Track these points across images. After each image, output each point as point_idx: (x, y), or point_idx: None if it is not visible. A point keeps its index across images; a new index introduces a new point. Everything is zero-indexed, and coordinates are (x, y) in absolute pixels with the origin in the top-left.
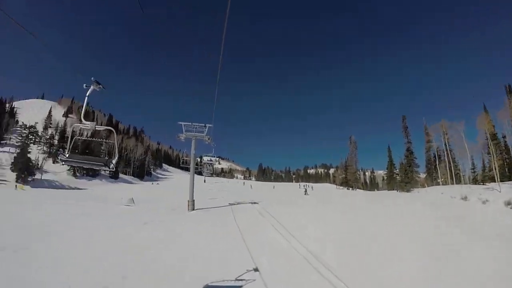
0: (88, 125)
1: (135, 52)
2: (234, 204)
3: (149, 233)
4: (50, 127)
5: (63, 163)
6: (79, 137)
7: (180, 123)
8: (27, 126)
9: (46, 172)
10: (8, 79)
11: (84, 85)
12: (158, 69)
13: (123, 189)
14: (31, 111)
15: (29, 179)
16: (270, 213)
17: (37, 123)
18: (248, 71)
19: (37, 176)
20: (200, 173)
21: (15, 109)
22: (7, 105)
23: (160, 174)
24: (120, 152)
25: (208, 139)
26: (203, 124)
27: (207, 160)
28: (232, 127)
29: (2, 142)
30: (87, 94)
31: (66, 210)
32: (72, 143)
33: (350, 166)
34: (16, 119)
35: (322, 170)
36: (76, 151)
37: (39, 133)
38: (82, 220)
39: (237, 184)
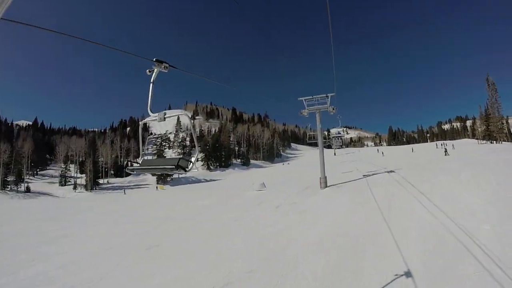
0: (155, 116)
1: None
2: (369, 176)
3: (280, 217)
4: (181, 131)
5: (133, 172)
6: (153, 137)
7: (301, 98)
8: (158, 135)
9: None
10: (135, 101)
11: (147, 70)
12: (274, 51)
13: (254, 174)
14: (163, 123)
15: (168, 179)
16: (411, 183)
17: (167, 131)
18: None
19: (175, 175)
20: (329, 147)
21: (148, 124)
22: (140, 122)
23: (290, 153)
24: (248, 140)
25: (333, 109)
26: (324, 95)
27: (335, 133)
28: (355, 93)
29: (142, 153)
30: (151, 81)
31: (193, 203)
32: (146, 144)
33: (491, 115)
34: (150, 132)
35: (458, 123)
36: (207, 147)
37: (171, 139)
38: (211, 211)
39: (368, 152)
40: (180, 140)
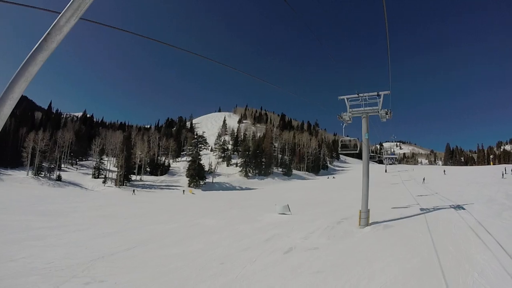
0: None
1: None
2: (430, 211)
3: (283, 277)
4: (225, 134)
5: None
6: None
7: (342, 97)
8: (195, 136)
9: (219, 175)
10: (188, 100)
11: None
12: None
13: (293, 186)
14: (209, 124)
15: (201, 183)
16: (497, 240)
17: (202, 133)
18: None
19: (209, 179)
20: (381, 162)
21: (194, 124)
22: (188, 122)
23: (337, 166)
24: (293, 149)
25: (386, 113)
26: (375, 93)
27: (388, 149)
28: (410, 106)
29: (182, 153)
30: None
31: (197, 221)
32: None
33: None
34: (195, 132)
35: None
36: (247, 153)
37: (214, 141)
38: (202, 240)
39: (424, 171)
40: (221, 143)
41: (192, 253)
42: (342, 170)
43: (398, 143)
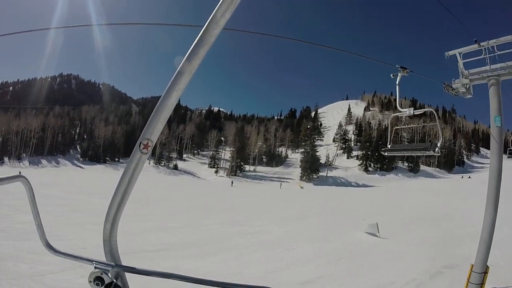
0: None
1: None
2: None
3: None
4: (350, 123)
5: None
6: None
7: (453, 52)
8: (308, 127)
9: (336, 168)
10: (315, 88)
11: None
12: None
13: (416, 187)
14: (336, 113)
15: (314, 176)
16: None
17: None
18: None
19: (324, 173)
20: None
21: (318, 114)
22: (312, 112)
23: (476, 162)
24: (422, 139)
25: None
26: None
27: None
28: None
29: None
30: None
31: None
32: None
33: None
34: (319, 122)
35: None
36: (367, 144)
37: (326, 131)
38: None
39: None
40: (342, 133)
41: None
42: (482, 167)
43: None
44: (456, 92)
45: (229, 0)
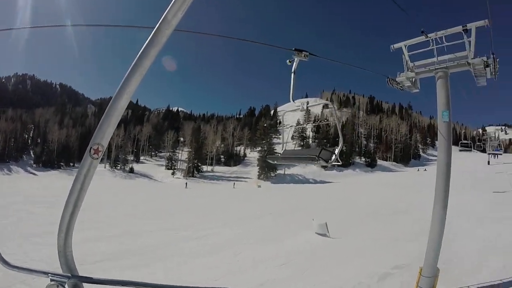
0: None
1: None
2: None
3: None
4: (309, 121)
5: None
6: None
7: (398, 44)
8: (265, 125)
9: (294, 165)
10: (273, 88)
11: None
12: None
13: (373, 181)
14: (294, 112)
15: (272, 175)
16: None
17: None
18: None
19: (281, 171)
20: (484, 151)
21: (278, 112)
22: (281, 111)
23: (432, 155)
24: (379, 135)
25: (486, 64)
26: (459, 28)
27: (491, 132)
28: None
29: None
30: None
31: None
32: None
33: None
34: (278, 120)
35: None
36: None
37: (284, 128)
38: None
39: None
40: (300, 131)
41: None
42: (436, 160)
43: (503, 127)
44: (401, 87)
45: (181, 0)
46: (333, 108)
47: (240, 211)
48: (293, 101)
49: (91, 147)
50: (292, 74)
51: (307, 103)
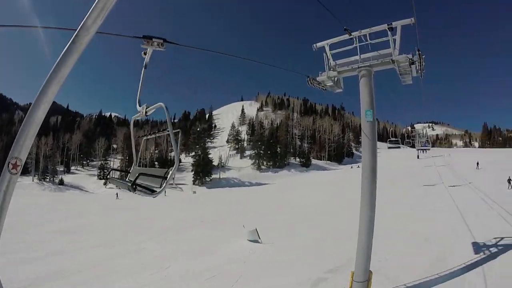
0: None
1: None
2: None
3: None
4: (244, 124)
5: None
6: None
7: (321, 43)
8: (198, 130)
9: (229, 169)
10: (208, 91)
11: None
12: None
13: (308, 181)
14: (230, 114)
15: (207, 179)
16: None
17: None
18: None
19: (216, 175)
20: (413, 146)
21: (213, 115)
22: (207, 114)
23: None
24: (313, 136)
25: (411, 62)
26: (384, 26)
27: (421, 130)
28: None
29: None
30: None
31: None
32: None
33: None
34: (213, 124)
35: None
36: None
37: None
38: None
39: (463, 160)
40: (235, 134)
41: None
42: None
43: (430, 124)
44: (323, 86)
45: (100, 7)
46: (166, 111)
47: (172, 221)
48: (140, 105)
49: (9, 162)
50: (143, 69)
51: (146, 106)
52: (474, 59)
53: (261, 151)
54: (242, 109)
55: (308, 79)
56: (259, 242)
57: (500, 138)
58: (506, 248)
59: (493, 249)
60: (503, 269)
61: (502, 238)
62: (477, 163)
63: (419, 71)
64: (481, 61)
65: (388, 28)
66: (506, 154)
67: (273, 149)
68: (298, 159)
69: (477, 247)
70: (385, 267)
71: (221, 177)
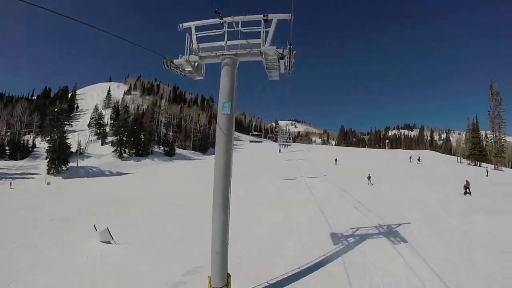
0: None
1: None
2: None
3: None
4: (109, 107)
5: None
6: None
7: (188, 24)
8: (55, 111)
9: (89, 156)
10: (73, 67)
11: None
12: None
13: (171, 170)
14: (95, 95)
15: (63, 168)
16: None
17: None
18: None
19: (74, 163)
20: (276, 141)
21: (77, 95)
22: (70, 93)
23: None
24: (179, 125)
25: (281, 56)
26: (260, 16)
27: (284, 128)
28: (306, 83)
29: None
30: None
31: None
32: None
33: (493, 132)
34: (76, 104)
35: (406, 131)
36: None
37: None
38: None
39: (321, 153)
40: (97, 117)
41: None
42: (234, 148)
43: (293, 122)
44: (181, 71)
45: None
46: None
47: (12, 225)
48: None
49: None
50: None
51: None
52: (337, 67)
53: (124, 138)
54: (109, 91)
55: (165, 60)
56: (111, 243)
57: (354, 139)
58: (362, 238)
59: (351, 239)
60: (362, 259)
61: (358, 228)
62: (336, 160)
63: (288, 68)
64: (343, 69)
65: (264, 19)
66: (361, 153)
67: (136, 136)
68: (162, 148)
69: (336, 238)
70: (244, 264)
71: (79, 165)
